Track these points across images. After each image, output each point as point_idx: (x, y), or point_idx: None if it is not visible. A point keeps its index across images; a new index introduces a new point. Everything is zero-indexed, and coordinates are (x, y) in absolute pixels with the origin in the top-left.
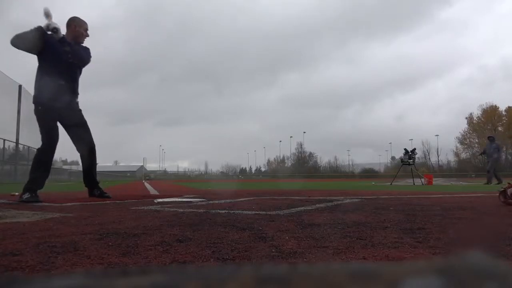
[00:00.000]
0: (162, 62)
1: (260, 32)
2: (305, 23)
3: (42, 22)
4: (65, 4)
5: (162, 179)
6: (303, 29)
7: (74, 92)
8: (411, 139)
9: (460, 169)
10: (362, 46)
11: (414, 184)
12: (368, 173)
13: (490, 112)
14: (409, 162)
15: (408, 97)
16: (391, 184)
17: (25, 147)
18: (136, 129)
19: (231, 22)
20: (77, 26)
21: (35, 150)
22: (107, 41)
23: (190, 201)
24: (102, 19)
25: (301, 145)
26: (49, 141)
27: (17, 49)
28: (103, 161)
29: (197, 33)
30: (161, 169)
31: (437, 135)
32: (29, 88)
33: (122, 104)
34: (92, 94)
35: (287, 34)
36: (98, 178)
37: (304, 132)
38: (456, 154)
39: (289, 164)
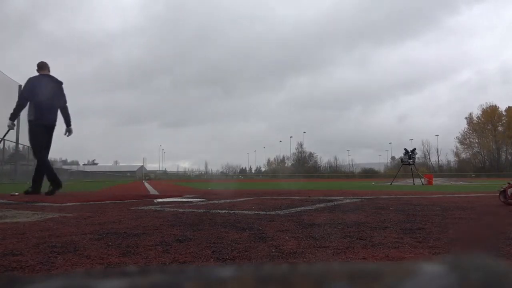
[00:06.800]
0: (176, 67)
1: (273, 38)
2: (317, 29)
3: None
4: (91, 12)
5: (162, 179)
6: (314, 35)
7: None
8: (411, 139)
9: (460, 169)
10: (370, 51)
11: (414, 184)
12: (368, 173)
13: (490, 112)
14: (409, 162)
15: (409, 98)
16: (391, 184)
17: (25, 147)
18: (140, 130)
19: (248, 29)
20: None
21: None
22: (126, 46)
23: (190, 201)
24: (123, 26)
25: (301, 145)
26: None
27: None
28: (104, 161)
29: (214, 40)
30: (161, 169)
31: (437, 135)
32: None
33: (133, 106)
34: (106, 96)
35: (298, 39)
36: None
37: (304, 132)
38: (456, 154)
39: (289, 164)
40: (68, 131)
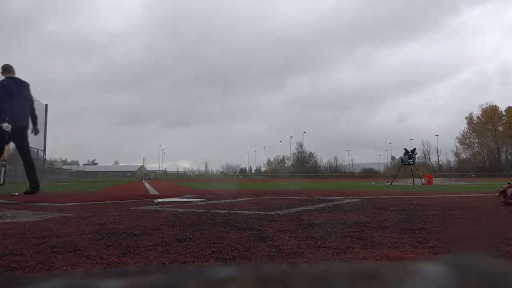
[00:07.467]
0: (177, 67)
1: (273, 38)
2: (318, 29)
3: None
4: (92, 13)
5: (162, 179)
6: (314, 35)
7: None
8: (411, 139)
9: (460, 169)
10: (371, 51)
11: (414, 184)
12: (368, 173)
13: (490, 112)
14: (409, 162)
15: (409, 98)
16: (391, 184)
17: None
18: (140, 130)
19: (248, 29)
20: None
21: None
22: (127, 47)
23: (190, 201)
24: (124, 26)
25: (301, 145)
26: None
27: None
28: (104, 161)
29: (214, 39)
30: (161, 169)
31: (437, 135)
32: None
33: (133, 106)
34: (106, 96)
35: (299, 39)
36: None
37: (304, 132)
38: (456, 154)
39: (289, 164)
40: (35, 130)
